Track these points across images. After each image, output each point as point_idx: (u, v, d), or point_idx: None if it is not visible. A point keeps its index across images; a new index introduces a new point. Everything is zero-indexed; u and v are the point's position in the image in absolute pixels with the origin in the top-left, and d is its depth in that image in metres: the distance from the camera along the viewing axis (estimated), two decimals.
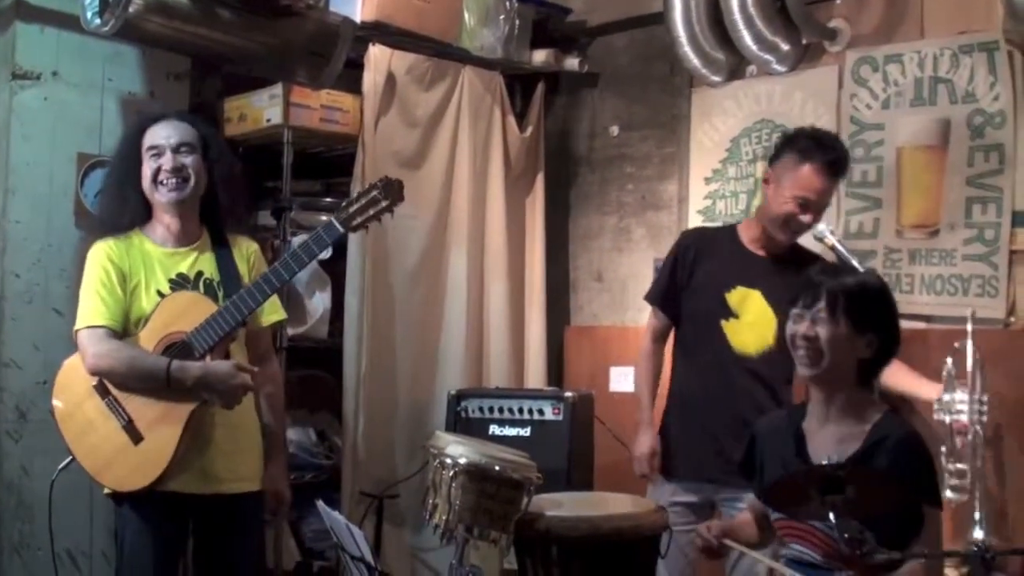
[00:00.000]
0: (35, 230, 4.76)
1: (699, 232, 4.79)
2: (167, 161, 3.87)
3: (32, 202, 4.76)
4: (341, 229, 3.90)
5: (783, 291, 4.09)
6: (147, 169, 3.87)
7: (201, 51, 5.02)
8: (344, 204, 3.96)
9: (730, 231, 4.52)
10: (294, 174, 5.20)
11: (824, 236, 4.32)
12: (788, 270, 4.21)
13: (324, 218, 5.44)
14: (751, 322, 4.32)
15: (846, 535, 2.67)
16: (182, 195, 3.90)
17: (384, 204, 3.94)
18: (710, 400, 4.33)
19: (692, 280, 4.45)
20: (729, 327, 4.34)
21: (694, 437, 4.34)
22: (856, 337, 3.17)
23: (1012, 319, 4.48)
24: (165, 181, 3.87)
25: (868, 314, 3.19)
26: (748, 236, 4.43)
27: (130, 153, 3.92)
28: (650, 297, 4.62)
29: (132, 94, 5.05)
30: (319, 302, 5.39)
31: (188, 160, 3.90)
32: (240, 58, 5.03)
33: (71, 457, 3.76)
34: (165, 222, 3.93)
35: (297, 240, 5.16)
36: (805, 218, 4.21)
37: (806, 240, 4.45)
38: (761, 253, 4.39)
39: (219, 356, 3.80)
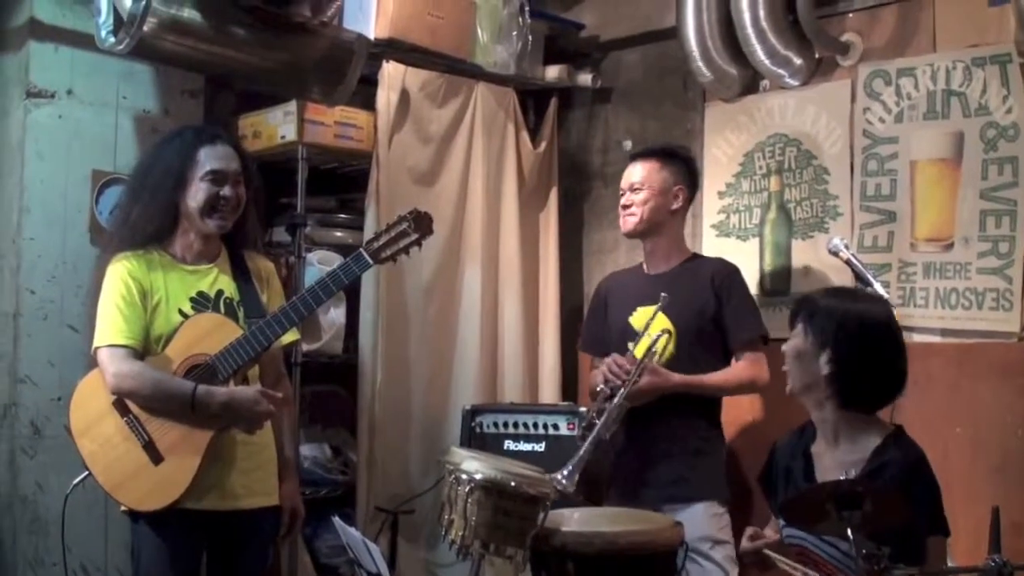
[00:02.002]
0: (50, 247, 4.79)
1: (609, 275, 5.08)
2: (228, 190, 3.88)
3: (47, 219, 4.79)
4: (371, 261, 3.92)
5: (680, 301, 4.43)
6: (201, 191, 3.86)
7: (215, 69, 5.03)
8: (373, 235, 3.98)
9: (638, 265, 4.83)
10: (308, 190, 5.21)
11: (839, 250, 4.33)
12: (683, 280, 4.56)
13: (338, 234, 5.53)
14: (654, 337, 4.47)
15: (864, 551, 2.66)
16: (230, 224, 3.93)
17: (414, 237, 3.96)
18: (629, 422, 4.39)
19: (607, 319, 4.73)
20: (653, 330, 4.42)
21: (621, 464, 4.49)
22: (815, 351, 3.18)
23: None
24: (221, 209, 3.89)
25: (828, 329, 3.20)
26: (645, 262, 4.74)
27: (179, 167, 3.87)
28: (581, 346, 5.04)
29: (146, 112, 5.08)
30: (334, 318, 5.39)
31: (240, 190, 3.93)
32: (254, 75, 5.04)
33: (87, 472, 3.77)
34: (190, 240, 3.94)
35: (314, 257, 5.19)
36: (624, 199, 4.62)
37: (820, 254, 4.49)
38: (655, 271, 4.66)
39: (239, 380, 3.81)
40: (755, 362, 4.47)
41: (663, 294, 4.35)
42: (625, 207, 4.60)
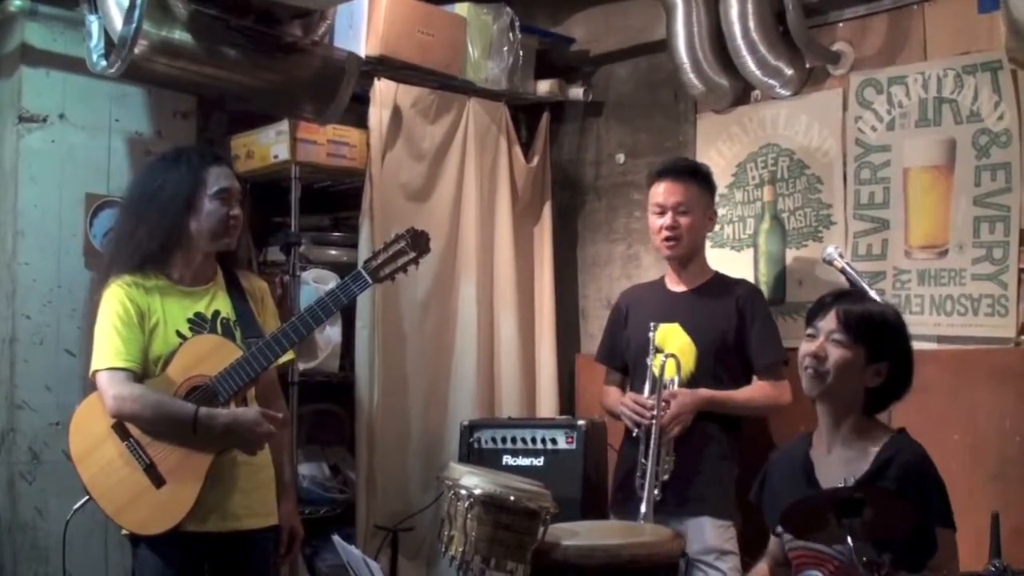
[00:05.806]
0: (45, 271, 4.79)
1: (631, 288, 5.12)
2: (237, 210, 3.92)
3: (41, 244, 4.79)
4: (369, 280, 3.93)
5: (702, 319, 4.50)
6: (213, 211, 3.87)
7: (207, 90, 5.04)
8: (371, 255, 3.99)
9: (659, 279, 4.85)
10: (302, 209, 5.22)
11: (833, 259, 4.36)
12: (707, 299, 4.61)
13: (333, 252, 5.52)
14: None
15: (864, 559, 2.65)
16: (236, 243, 3.97)
17: (411, 255, 3.97)
18: (644, 434, 4.42)
19: (627, 332, 4.76)
20: (655, 362, 4.46)
21: (635, 474, 4.43)
22: (867, 365, 3.17)
23: (1022, 338, 4.46)
24: (231, 228, 3.92)
25: (882, 343, 3.19)
26: (669, 278, 4.75)
27: (189, 188, 3.88)
28: (598, 356, 5.04)
29: (139, 134, 5.09)
30: (330, 336, 5.38)
31: (240, 210, 3.96)
32: (246, 95, 5.04)
33: (87, 497, 3.76)
34: (190, 261, 3.94)
35: (309, 275, 5.19)
36: (663, 220, 4.59)
37: (814, 263, 4.51)
38: (679, 289, 4.70)
39: (239, 401, 3.81)
40: (781, 386, 4.50)
41: (652, 323, 4.45)
42: (671, 228, 4.57)
